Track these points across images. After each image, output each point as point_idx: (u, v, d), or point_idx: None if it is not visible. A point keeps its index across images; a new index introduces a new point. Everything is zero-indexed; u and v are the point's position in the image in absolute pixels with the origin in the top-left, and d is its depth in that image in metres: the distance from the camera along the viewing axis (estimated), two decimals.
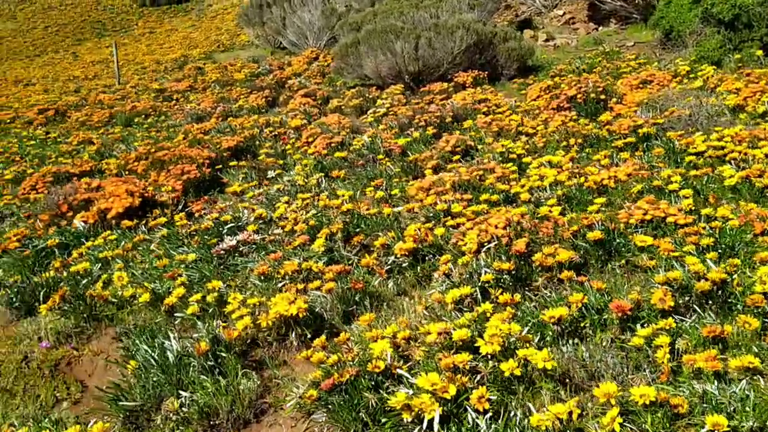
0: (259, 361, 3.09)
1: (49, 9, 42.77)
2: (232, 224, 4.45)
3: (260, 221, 4.58)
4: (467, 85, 10.62)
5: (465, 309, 3.06)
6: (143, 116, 11.59)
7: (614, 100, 7.29)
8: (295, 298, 3.07)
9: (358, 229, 4.31)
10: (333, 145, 7.43)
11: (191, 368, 2.88)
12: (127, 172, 7.04)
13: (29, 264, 4.43)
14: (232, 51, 20.91)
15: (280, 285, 3.54)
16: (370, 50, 11.28)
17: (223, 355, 2.91)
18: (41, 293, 3.78)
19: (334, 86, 12.83)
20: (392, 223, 4.36)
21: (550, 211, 4.01)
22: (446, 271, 3.39)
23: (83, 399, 3.20)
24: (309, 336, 3.05)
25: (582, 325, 2.83)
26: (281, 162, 6.98)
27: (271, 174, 6.18)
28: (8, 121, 12.23)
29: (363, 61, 11.57)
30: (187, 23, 33.75)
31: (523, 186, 4.72)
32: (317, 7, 16.16)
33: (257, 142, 8.34)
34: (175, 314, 3.38)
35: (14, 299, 3.77)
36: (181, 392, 2.80)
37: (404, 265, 3.70)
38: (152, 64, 20.77)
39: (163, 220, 4.87)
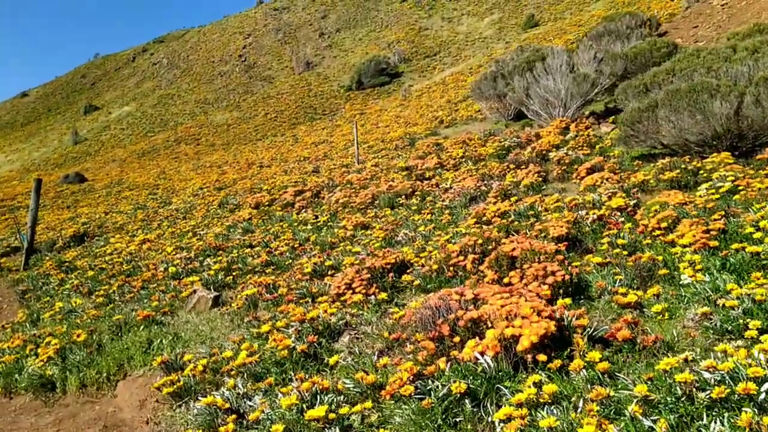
0: None
1: (268, 98, 46.88)
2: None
3: None
4: None
5: None
6: (403, 196, 10.66)
7: None
8: None
9: None
10: (712, 233, 5.60)
11: None
12: (450, 269, 5.72)
13: (435, 421, 3.01)
14: (456, 126, 20.16)
15: None
16: (672, 113, 9.38)
17: None
18: None
19: (606, 156, 11.05)
20: None
21: None
22: None
23: None
24: None
25: None
26: (660, 258, 5.21)
27: (686, 279, 4.38)
28: (267, 203, 12.02)
29: (660, 127, 9.67)
30: (393, 103, 34.45)
31: None
32: (566, 75, 14.70)
33: (584, 229, 6.74)
34: None
35: None
36: None
37: None
38: (377, 142, 20.65)
39: (597, 355, 3.28)
